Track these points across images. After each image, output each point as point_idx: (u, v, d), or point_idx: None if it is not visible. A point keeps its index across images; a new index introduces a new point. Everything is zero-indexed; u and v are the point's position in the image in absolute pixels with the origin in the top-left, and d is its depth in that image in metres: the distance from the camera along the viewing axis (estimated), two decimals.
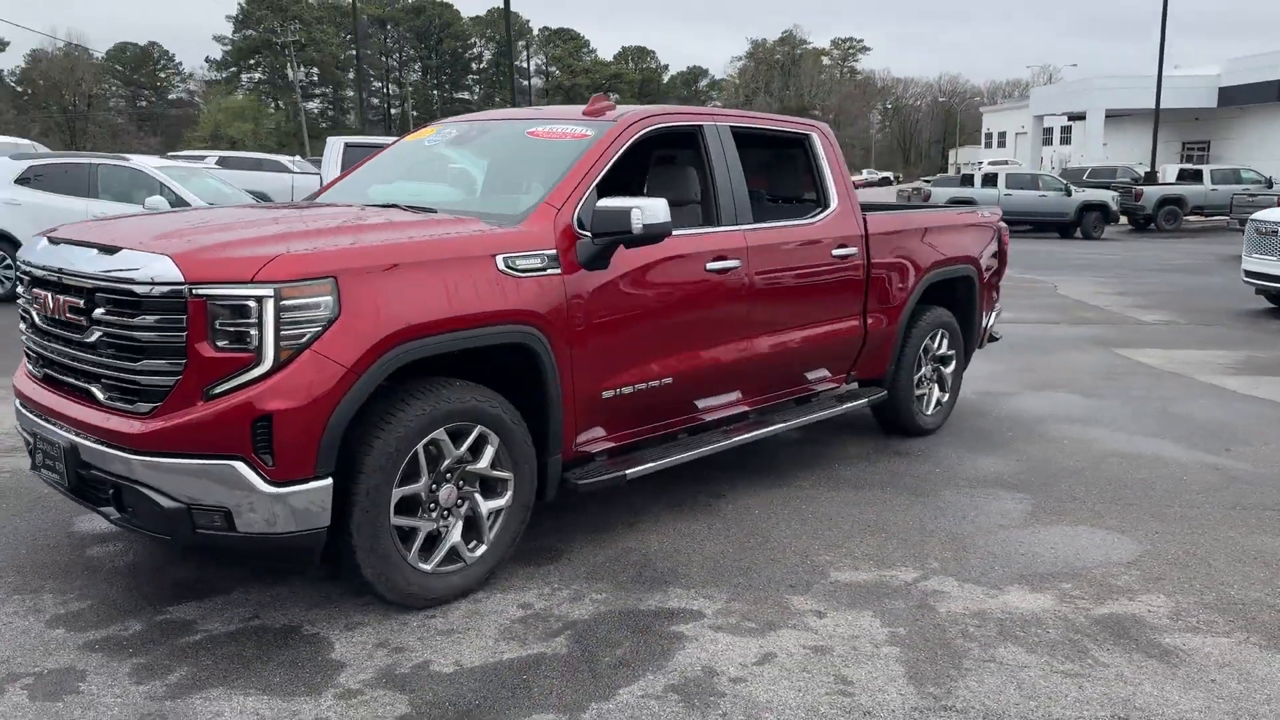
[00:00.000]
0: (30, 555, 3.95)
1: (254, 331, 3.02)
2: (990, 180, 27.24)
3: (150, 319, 3.09)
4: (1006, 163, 49.64)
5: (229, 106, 77.65)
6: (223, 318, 3.03)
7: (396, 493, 3.33)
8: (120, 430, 3.14)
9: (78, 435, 3.29)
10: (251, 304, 3.01)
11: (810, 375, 5.28)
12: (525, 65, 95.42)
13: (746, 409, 4.91)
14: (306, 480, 3.09)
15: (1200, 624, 3.53)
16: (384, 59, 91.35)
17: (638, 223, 3.79)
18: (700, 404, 4.64)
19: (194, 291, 3.02)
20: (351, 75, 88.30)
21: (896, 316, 5.60)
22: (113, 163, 10.95)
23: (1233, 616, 3.60)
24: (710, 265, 4.40)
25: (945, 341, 6.09)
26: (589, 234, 3.85)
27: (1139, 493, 5.03)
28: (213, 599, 3.57)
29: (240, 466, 3.03)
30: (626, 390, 4.09)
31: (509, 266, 3.60)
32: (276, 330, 3.03)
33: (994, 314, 6.65)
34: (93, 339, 3.26)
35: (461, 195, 4.65)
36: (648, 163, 5.23)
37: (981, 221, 6.38)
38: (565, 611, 3.52)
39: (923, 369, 5.95)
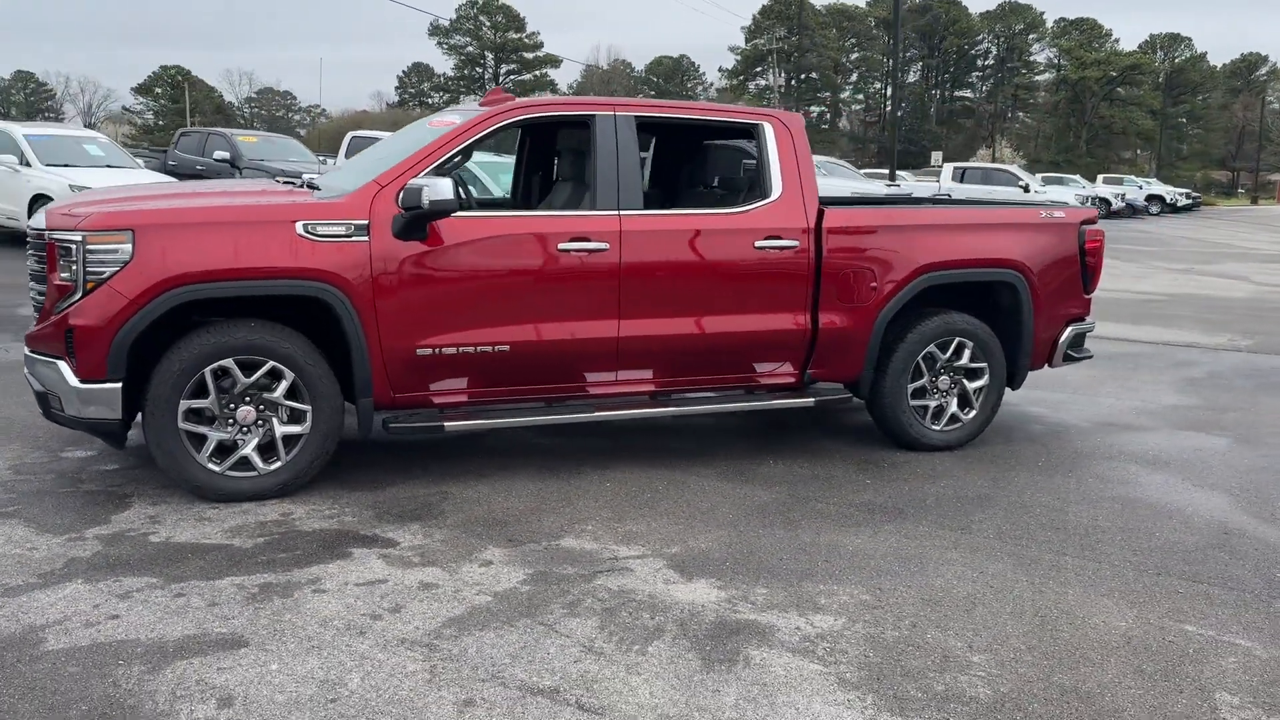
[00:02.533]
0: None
1: (75, 268, 4.13)
2: None
3: (37, 255, 4.35)
4: None
5: None
6: (61, 256, 4.18)
7: (184, 404, 4.25)
8: (27, 335, 4.46)
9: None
10: (73, 247, 4.13)
11: (757, 367, 5.25)
12: (1035, 59, 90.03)
13: (654, 389, 5.09)
14: (101, 381, 4.15)
15: (821, 652, 3.22)
16: (885, 60, 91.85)
17: (426, 199, 4.31)
18: (590, 376, 4.95)
19: (49, 236, 4.22)
20: (853, 78, 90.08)
21: (869, 317, 5.26)
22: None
23: (876, 654, 3.21)
24: (565, 246, 4.70)
25: (967, 353, 5.51)
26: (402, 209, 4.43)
27: (1067, 538, 4.31)
28: (126, 469, 4.78)
29: (62, 365, 4.17)
30: (448, 351, 4.59)
31: (309, 232, 4.33)
32: (84, 267, 4.11)
33: (1069, 328, 5.77)
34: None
35: None
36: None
37: (1040, 221, 5.62)
38: (301, 524, 4.19)
39: (923, 379, 5.47)
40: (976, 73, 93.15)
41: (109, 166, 13.73)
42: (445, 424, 4.62)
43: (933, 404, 5.54)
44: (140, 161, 15.40)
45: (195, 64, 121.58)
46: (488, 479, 4.84)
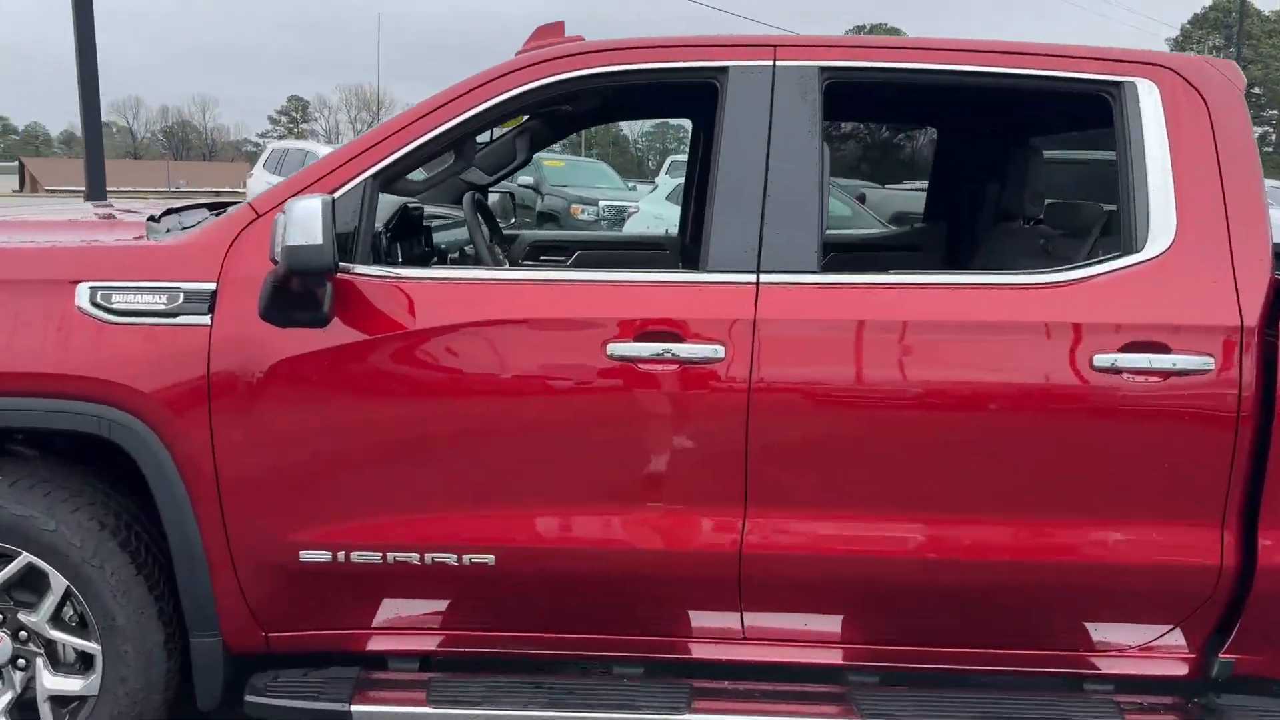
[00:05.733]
0: None
1: None
2: None
3: None
4: None
5: None
6: None
7: None
8: None
9: None
10: None
11: (1093, 634, 2.34)
12: None
13: (842, 662, 2.36)
14: None
15: None
16: None
17: (280, 240, 1.97)
18: (683, 622, 2.35)
19: None
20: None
21: None
22: None
23: None
24: (622, 350, 2.12)
25: None
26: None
27: None
28: None
29: None
30: (366, 557, 2.19)
31: (99, 303, 2.14)
32: None
33: None
34: None
35: None
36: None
37: None
38: None
39: None
40: None
41: None
42: (353, 709, 2.21)
43: None
44: None
45: None
46: None
